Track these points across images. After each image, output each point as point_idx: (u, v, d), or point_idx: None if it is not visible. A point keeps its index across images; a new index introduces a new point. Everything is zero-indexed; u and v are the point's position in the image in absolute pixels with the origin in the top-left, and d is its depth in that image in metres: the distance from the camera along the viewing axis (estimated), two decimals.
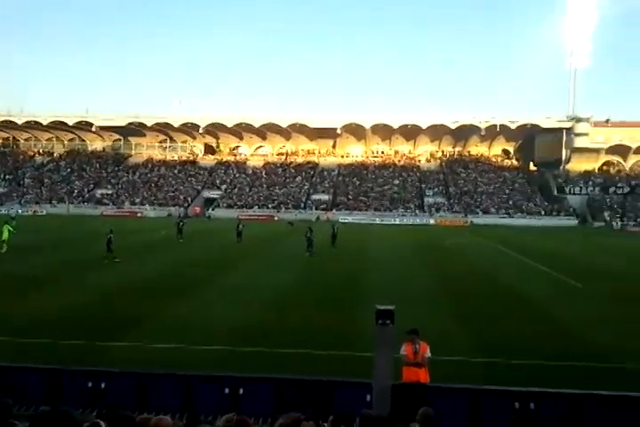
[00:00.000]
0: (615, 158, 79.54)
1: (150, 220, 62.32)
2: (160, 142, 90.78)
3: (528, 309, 17.83)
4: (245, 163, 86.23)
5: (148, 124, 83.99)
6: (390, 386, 7.78)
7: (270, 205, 72.56)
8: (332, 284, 21.58)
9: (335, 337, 13.49)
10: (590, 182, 73.97)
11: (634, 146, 76.96)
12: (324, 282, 21.99)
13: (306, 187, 78.28)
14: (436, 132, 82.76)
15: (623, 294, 20.52)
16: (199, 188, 78.81)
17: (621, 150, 78.06)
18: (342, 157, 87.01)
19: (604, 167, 78.80)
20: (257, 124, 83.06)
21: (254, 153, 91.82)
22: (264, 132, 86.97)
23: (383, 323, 7.66)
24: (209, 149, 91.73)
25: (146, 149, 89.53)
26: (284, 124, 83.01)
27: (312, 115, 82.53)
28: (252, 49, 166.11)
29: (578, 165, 77.38)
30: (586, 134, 76.14)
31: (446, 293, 20.28)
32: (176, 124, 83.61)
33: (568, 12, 77.72)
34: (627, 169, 78.50)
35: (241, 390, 8.46)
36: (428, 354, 8.38)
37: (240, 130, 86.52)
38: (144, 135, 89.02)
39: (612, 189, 71.92)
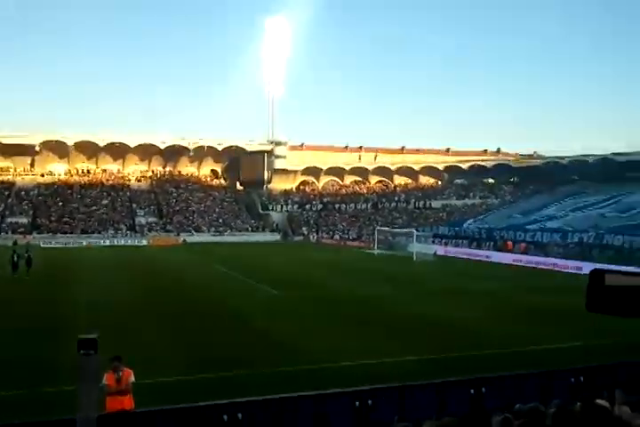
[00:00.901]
0: (310, 179, 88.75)
1: None
2: None
3: (234, 320, 18.90)
4: None
5: None
6: (95, 419, 7.54)
7: None
8: (27, 314, 19.72)
9: (34, 372, 12.43)
10: (289, 200, 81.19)
11: (324, 168, 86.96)
12: (17, 313, 19.96)
13: (0, 209, 69.68)
14: (146, 151, 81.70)
15: (317, 300, 23.16)
16: None
17: (314, 172, 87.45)
18: (42, 175, 79.76)
19: (301, 187, 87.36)
20: None
21: None
22: None
23: (86, 353, 7.41)
24: None
25: None
26: None
27: (4, 129, 74.01)
28: None
29: (278, 184, 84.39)
30: (284, 157, 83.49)
31: (157, 314, 20.23)
32: None
33: (265, 42, 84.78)
34: (319, 188, 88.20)
35: None
36: (132, 380, 8.37)
37: None
38: None
39: (308, 206, 80.00)
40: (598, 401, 5.87)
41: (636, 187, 57.52)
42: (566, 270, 35.18)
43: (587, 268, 30.81)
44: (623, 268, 25.55)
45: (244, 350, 14.83)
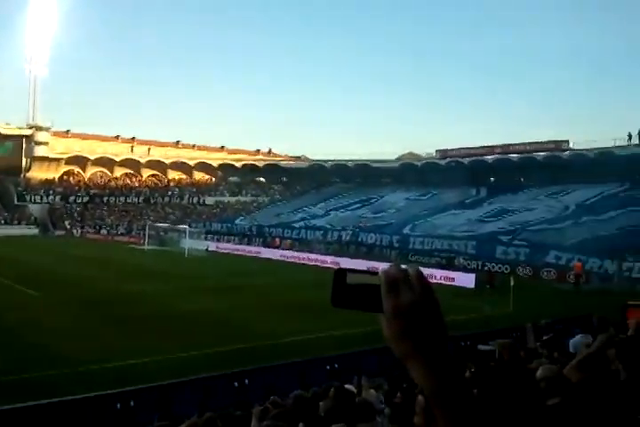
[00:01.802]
0: (75, 168, 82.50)
1: None
2: None
3: None
4: None
5: None
6: None
7: None
8: None
9: None
10: (51, 191, 74.57)
11: (92, 157, 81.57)
12: None
13: None
14: None
15: (81, 300, 21.77)
16: None
17: (81, 161, 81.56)
18: None
19: (65, 177, 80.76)
20: None
21: None
22: None
23: None
24: None
25: None
26: None
27: None
28: None
29: (39, 173, 77.02)
30: (46, 143, 76.43)
31: None
32: None
33: (28, 19, 76.75)
34: (86, 179, 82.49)
35: None
36: None
37: None
38: None
39: (72, 198, 74.34)
40: (347, 386, 6.61)
41: (388, 190, 64.67)
42: (326, 265, 37.96)
43: (343, 263, 33.70)
44: (371, 263, 28.61)
45: None
